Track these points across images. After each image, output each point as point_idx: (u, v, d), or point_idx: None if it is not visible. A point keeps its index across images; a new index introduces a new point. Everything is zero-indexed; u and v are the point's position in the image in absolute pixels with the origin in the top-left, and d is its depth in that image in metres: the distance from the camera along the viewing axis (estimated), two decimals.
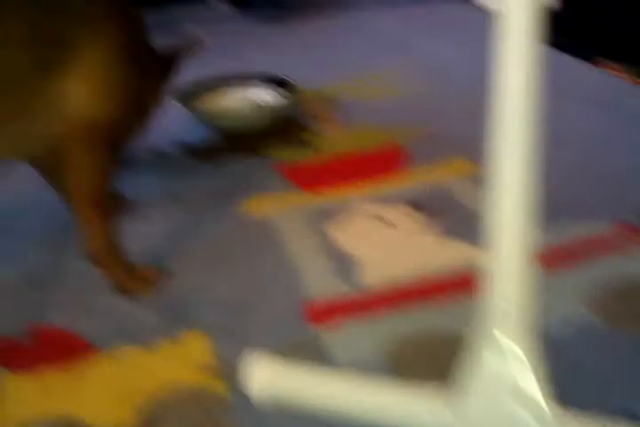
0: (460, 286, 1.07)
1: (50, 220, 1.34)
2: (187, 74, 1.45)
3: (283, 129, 1.66)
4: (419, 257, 1.17)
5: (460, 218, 1.27)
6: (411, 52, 2.16)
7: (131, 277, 1.12)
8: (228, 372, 0.94)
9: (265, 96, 1.75)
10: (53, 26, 0.92)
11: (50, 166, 1.15)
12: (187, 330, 1.03)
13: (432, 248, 1.19)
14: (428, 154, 1.51)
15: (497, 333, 0.76)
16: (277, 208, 1.36)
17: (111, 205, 1.09)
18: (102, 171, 1.03)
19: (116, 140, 1.05)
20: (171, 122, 1.69)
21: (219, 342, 1.00)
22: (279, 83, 1.75)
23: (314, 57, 2.19)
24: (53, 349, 1.01)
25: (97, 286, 1.14)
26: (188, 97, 1.67)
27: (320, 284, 1.12)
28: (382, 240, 1.23)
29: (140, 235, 1.29)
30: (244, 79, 1.78)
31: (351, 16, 2.61)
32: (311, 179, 1.46)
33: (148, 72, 1.11)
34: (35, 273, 1.22)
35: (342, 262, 1.17)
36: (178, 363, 0.97)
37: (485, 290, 0.77)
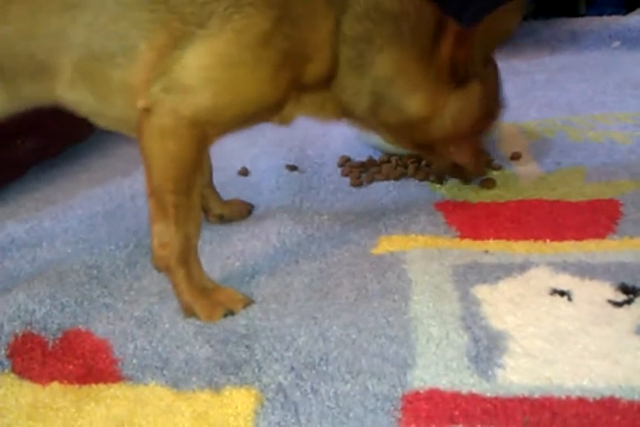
0: None
1: None
2: None
3: None
4: (601, 359, 0.75)
5: None
6: None
7: (199, 296, 0.90)
8: None
9: None
10: None
11: None
12: (236, 384, 0.77)
13: (627, 348, 0.77)
14: None
15: None
16: (418, 250, 1.01)
17: (191, 206, 0.89)
18: (177, 164, 0.86)
19: (211, 136, 0.88)
20: (335, 136, 1.48)
21: (270, 409, 0.72)
22: None
23: (526, 92, 1.84)
24: (77, 361, 0.83)
25: (165, 303, 0.93)
26: None
27: (437, 366, 0.75)
28: (551, 322, 0.83)
29: (235, 251, 1.04)
30: None
31: (580, 53, 2.24)
32: (477, 223, 1.10)
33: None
34: (106, 271, 1.02)
35: (481, 341, 0.80)
36: (206, 422, 0.72)
37: None
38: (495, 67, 1.08)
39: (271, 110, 0.93)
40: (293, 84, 0.90)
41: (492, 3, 0.93)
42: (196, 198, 0.89)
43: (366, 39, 0.93)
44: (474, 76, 1.01)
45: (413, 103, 0.98)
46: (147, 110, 0.84)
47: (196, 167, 0.87)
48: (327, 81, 0.94)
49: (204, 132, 0.86)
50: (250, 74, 0.85)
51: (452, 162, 1.13)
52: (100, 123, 0.95)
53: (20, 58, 0.86)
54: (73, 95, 0.89)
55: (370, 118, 1.01)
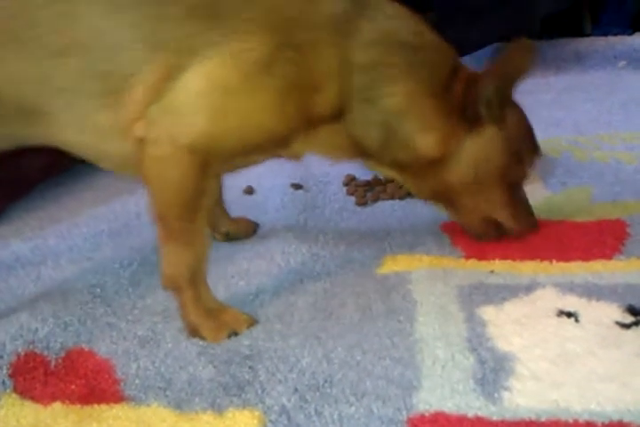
0: None
1: None
2: None
3: None
4: (609, 382, 0.74)
5: None
6: None
7: (205, 318, 0.89)
8: None
9: None
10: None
11: None
12: (239, 405, 0.76)
13: (635, 371, 0.76)
14: None
15: None
16: (423, 271, 1.00)
17: (197, 230, 0.88)
18: (179, 191, 0.84)
19: (213, 164, 0.85)
20: None
21: None
22: None
23: (532, 112, 1.82)
24: (79, 381, 0.83)
25: (168, 323, 0.93)
26: None
27: (442, 388, 0.74)
28: (558, 343, 0.82)
29: (239, 270, 1.04)
30: None
31: (586, 73, 2.24)
32: (482, 244, 1.09)
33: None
34: (110, 290, 1.01)
35: (487, 363, 0.79)
36: None
37: None
38: (520, 112, 1.02)
39: (277, 143, 0.89)
40: (303, 118, 0.87)
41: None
42: (202, 222, 0.87)
43: (378, 67, 0.89)
44: (491, 119, 0.96)
45: (424, 140, 0.93)
46: (143, 140, 0.82)
47: (199, 193, 0.84)
48: (339, 115, 0.90)
49: (204, 160, 0.83)
50: (248, 101, 0.83)
51: (482, 217, 1.04)
52: (105, 165, 0.92)
53: (9, 101, 0.84)
54: (69, 138, 0.87)
55: (382, 156, 0.96)
